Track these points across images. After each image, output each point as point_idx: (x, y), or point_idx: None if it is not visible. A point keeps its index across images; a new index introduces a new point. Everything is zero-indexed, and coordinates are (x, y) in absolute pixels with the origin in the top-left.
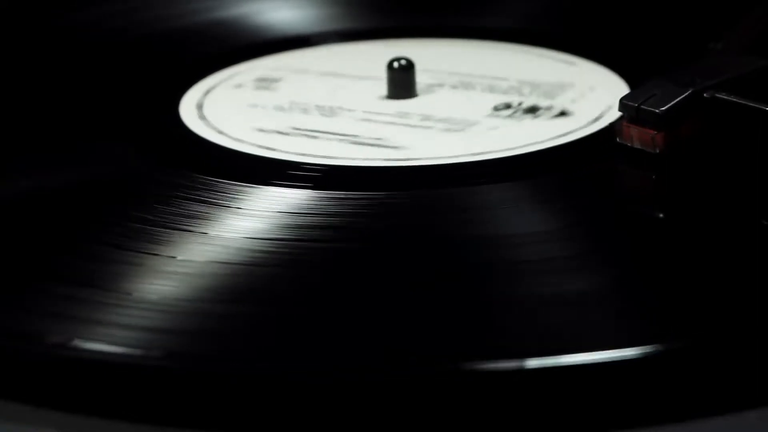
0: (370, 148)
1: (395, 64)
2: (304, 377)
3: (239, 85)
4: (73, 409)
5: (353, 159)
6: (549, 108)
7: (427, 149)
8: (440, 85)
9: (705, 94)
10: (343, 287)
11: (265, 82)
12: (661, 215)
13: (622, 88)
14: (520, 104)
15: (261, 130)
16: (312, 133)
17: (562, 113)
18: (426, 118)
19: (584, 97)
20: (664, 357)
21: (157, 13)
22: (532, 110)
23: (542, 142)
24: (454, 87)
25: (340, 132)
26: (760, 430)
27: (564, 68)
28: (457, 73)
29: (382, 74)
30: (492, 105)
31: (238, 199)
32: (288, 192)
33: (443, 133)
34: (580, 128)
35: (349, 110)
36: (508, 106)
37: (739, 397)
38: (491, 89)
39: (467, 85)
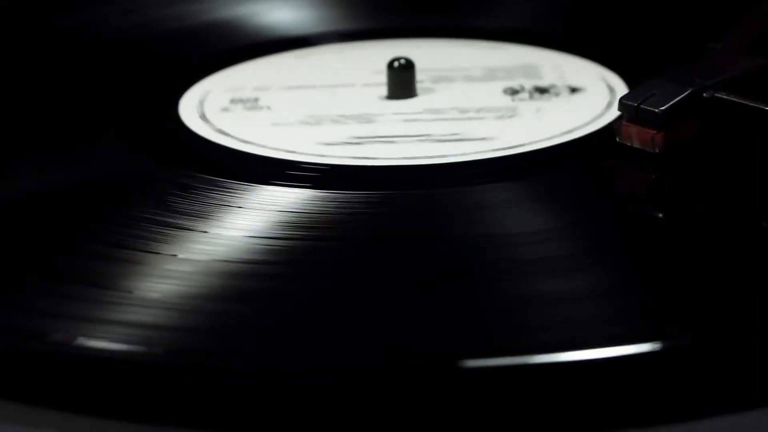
0: (456, 143)
1: (395, 64)
2: (304, 377)
3: (239, 85)
4: (74, 409)
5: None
6: (554, 86)
7: (515, 135)
8: (437, 84)
9: (704, 94)
10: (343, 287)
11: (265, 82)
12: (660, 215)
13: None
14: (523, 88)
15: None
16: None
17: (573, 90)
18: (463, 111)
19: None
20: (664, 356)
21: (157, 14)
22: (542, 90)
23: (549, 138)
24: (450, 83)
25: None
26: (760, 430)
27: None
28: (452, 70)
29: (382, 74)
30: (500, 90)
31: (238, 197)
32: (288, 191)
33: (504, 120)
34: (553, 137)
35: (377, 114)
36: (515, 91)
37: (739, 397)
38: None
39: (465, 79)
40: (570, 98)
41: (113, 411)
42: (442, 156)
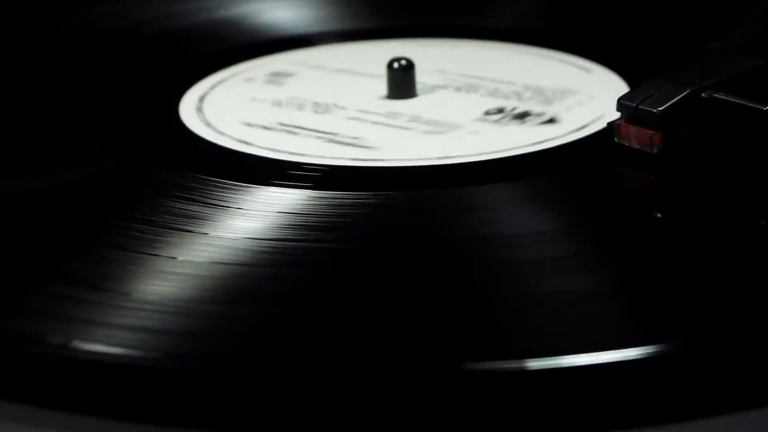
0: (344, 147)
1: (395, 64)
2: (303, 377)
3: (238, 84)
4: (73, 410)
5: (324, 157)
6: (540, 114)
7: (399, 150)
8: (444, 87)
9: (703, 94)
10: (342, 287)
11: (263, 82)
12: (659, 215)
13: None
14: (513, 109)
15: (248, 125)
16: (294, 129)
17: (551, 120)
18: (414, 119)
19: (581, 105)
20: (664, 357)
21: (156, 13)
22: (522, 116)
23: (519, 147)
24: (457, 89)
25: (323, 130)
26: (760, 430)
27: (572, 72)
28: (464, 75)
29: (382, 74)
30: (484, 109)
31: (237, 199)
32: (288, 192)
33: (422, 135)
34: (560, 136)
35: (342, 108)
36: (500, 110)
37: (739, 397)
38: (493, 93)
39: (471, 87)
40: (533, 128)
41: (113, 412)
42: (436, 158)
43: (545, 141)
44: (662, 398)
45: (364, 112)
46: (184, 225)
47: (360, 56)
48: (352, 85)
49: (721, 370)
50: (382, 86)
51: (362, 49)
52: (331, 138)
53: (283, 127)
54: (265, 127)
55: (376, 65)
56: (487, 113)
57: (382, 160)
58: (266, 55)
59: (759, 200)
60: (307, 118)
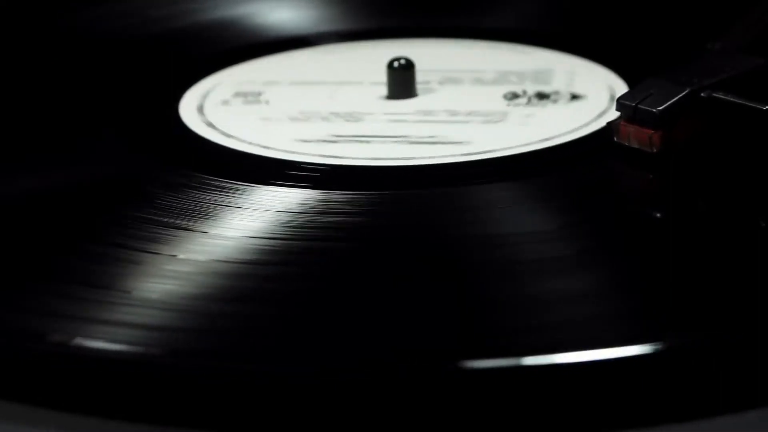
0: (431, 146)
1: (395, 64)
2: (303, 377)
3: (239, 84)
4: (73, 409)
5: (427, 158)
6: (557, 93)
7: (491, 141)
8: (440, 84)
9: (702, 94)
10: (343, 286)
11: (264, 82)
12: (658, 215)
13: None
14: (524, 92)
15: (246, 123)
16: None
17: (574, 97)
18: (453, 113)
19: (576, 77)
20: (664, 356)
21: (157, 13)
22: (543, 96)
23: (518, 146)
24: (456, 83)
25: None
26: (760, 430)
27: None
28: (461, 71)
29: (382, 74)
30: (500, 95)
31: (238, 198)
32: (288, 191)
33: (488, 125)
34: (559, 135)
35: (367, 113)
36: (515, 95)
37: (739, 397)
38: (496, 81)
39: (475, 81)
40: (567, 106)
41: (113, 411)
42: (410, 158)
43: (544, 140)
44: (661, 398)
45: (394, 113)
46: (184, 224)
47: (359, 56)
48: (351, 86)
49: (721, 370)
50: (381, 87)
51: (362, 49)
52: (407, 140)
53: (278, 125)
54: (259, 125)
55: (375, 65)
56: (506, 98)
57: (488, 152)
58: (265, 55)
59: (759, 200)
60: (308, 118)
